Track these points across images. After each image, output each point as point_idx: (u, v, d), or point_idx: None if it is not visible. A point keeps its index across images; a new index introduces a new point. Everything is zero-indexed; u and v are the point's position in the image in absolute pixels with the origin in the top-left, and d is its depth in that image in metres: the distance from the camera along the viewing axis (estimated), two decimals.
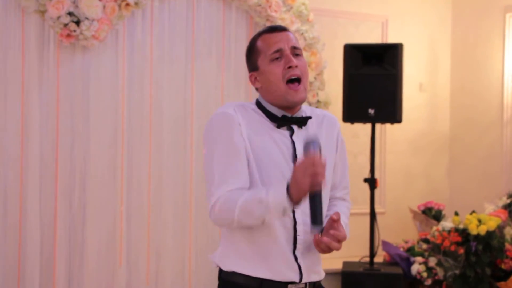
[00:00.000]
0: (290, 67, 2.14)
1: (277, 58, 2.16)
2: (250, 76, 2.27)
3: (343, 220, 2.20)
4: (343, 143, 2.34)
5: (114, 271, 4.58)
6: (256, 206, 2.03)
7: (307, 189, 1.97)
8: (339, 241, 2.08)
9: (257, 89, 2.27)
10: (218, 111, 2.21)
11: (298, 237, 2.15)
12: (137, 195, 4.68)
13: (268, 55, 2.17)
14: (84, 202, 4.50)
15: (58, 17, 4.24)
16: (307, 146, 2.01)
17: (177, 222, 4.81)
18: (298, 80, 2.17)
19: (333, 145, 2.28)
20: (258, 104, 2.25)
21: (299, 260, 2.16)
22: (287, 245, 2.15)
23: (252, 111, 2.22)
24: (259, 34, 2.25)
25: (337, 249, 2.09)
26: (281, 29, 2.23)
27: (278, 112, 2.20)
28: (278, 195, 2.01)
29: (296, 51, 2.18)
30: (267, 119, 2.21)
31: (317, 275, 2.24)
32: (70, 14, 4.26)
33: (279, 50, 2.16)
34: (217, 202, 2.08)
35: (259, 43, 2.22)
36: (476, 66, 6.07)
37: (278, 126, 2.19)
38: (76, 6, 4.27)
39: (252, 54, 2.25)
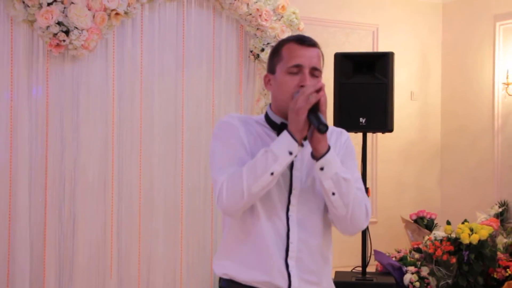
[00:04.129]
0: (302, 86, 2.11)
1: (294, 73, 2.14)
2: (265, 77, 2.27)
3: (345, 174, 2.10)
4: (351, 147, 2.31)
5: (104, 283, 4.58)
6: (261, 159, 2.02)
7: (303, 112, 2.00)
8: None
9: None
10: (219, 121, 2.26)
11: (290, 245, 2.12)
12: (128, 206, 4.69)
13: (287, 66, 2.16)
14: (74, 212, 4.50)
15: (47, 27, 4.26)
16: (295, 94, 2.08)
17: (168, 232, 4.81)
18: None
19: (340, 151, 2.27)
20: (266, 115, 2.26)
21: (290, 269, 2.11)
22: (278, 252, 2.12)
23: (255, 123, 2.23)
24: (289, 40, 2.23)
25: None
26: (310, 43, 2.20)
27: (279, 120, 2.20)
28: (279, 139, 2.04)
29: (315, 72, 2.16)
30: (269, 129, 2.22)
31: (313, 287, 2.17)
32: (59, 23, 4.28)
33: (298, 66, 2.14)
34: (223, 184, 2.05)
35: (285, 50, 2.20)
36: (467, 74, 6.13)
37: (278, 134, 2.14)
38: (66, 16, 4.28)
39: (274, 56, 2.23)
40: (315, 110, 2.03)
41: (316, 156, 2.07)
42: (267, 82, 2.26)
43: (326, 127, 2.00)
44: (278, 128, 2.18)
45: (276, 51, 2.24)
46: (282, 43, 2.24)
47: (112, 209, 4.61)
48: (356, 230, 2.18)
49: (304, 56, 2.16)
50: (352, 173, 2.19)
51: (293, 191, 2.15)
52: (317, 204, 2.17)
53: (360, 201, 2.14)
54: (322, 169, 2.06)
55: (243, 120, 2.24)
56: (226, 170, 2.09)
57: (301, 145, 2.06)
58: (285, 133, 2.04)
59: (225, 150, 2.15)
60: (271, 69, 2.24)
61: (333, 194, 2.08)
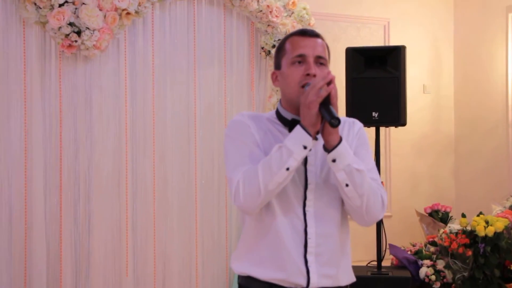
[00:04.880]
0: (308, 74, 2.14)
1: (299, 62, 2.17)
2: (272, 74, 2.30)
3: (358, 165, 2.12)
4: (364, 136, 2.31)
5: (121, 282, 4.62)
6: (275, 155, 2.05)
7: (314, 106, 2.02)
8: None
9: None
10: (231, 120, 2.29)
11: (309, 240, 2.14)
12: (142, 205, 4.73)
13: (291, 57, 2.18)
14: (89, 211, 4.55)
15: (59, 28, 4.30)
16: (305, 87, 2.10)
17: (182, 230, 4.85)
18: None
19: (353, 141, 2.27)
20: (277, 111, 2.28)
21: (309, 264, 2.13)
22: (296, 248, 2.14)
23: (265, 120, 2.26)
24: (291, 35, 2.26)
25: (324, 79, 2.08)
26: (312, 34, 2.22)
27: (290, 116, 2.22)
28: (293, 134, 2.06)
29: (320, 60, 2.18)
30: (280, 125, 2.24)
31: (333, 281, 2.19)
32: (71, 24, 4.32)
33: (302, 55, 2.17)
34: (239, 182, 2.08)
35: (288, 44, 2.23)
36: (480, 66, 6.10)
37: (290, 130, 2.17)
38: (77, 17, 4.32)
39: (279, 52, 2.27)
40: (326, 103, 2.04)
41: (328, 148, 2.08)
42: (274, 79, 2.29)
43: (338, 121, 2.01)
44: (290, 124, 2.20)
45: (280, 47, 2.26)
46: (285, 39, 2.27)
47: (127, 207, 4.65)
48: (373, 221, 2.20)
49: (307, 46, 2.18)
50: (367, 163, 2.20)
51: (309, 186, 2.16)
52: (333, 196, 2.18)
53: (375, 191, 2.16)
54: (334, 161, 2.07)
55: (254, 117, 2.26)
56: (241, 168, 2.11)
57: (315, 138, 2.08)
58: (298, 128, 2.06)
59: (239, 149, 2.17)
60: (277, 65, 2.27)
61: (347, 185, 2.09)
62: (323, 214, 2.17)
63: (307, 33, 2.22)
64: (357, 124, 2.31)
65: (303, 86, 2.15)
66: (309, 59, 2.16)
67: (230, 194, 2.14)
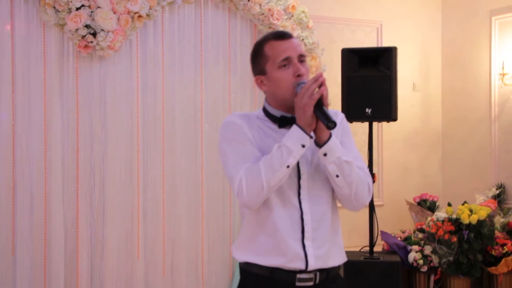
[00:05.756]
0: (299, 75, 2.17)
1: (284, 65, 2.18)
2: (256, 79, 2.28)
3: (346, 157, 2.17)
4: (347, 126, 2.35)
5: (132, 263, 4.71)
6: (276, 154, 2.08)
7: (309, 108, 2.05)
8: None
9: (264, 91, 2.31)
10: (223, 121, 2.29)
11: (305, 226, 2.17)
12: (153, 193, 4.80)
13: (277, 62, 2.18)
14: (104, 201, 4.63)
15: (76, 30, 4.38)
16: (297, 87, 2.14)
17: (190, 217, 4.92)
18: None
19: (338, 132, 2.29)
20: (264, 109, 2.30)
21: (307, 249, 2.16)
22: (294, 235, 2.16)
23: (255, 118, 2.27)
24: (267, 40, 2.25)
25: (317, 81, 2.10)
26: (288, 36, 2.24)
27: (279, 114, 2.24)
28: (291, 133, 2.09)
29: (302, 58, 2.21)
30: (270, 122, 2.26)
31: (329, 262, 2.22)
32: (87, 26, 4.40)
33: (287, 58, 2.18)
34: (241, 179, 2.11)
35: (267, 49, 2.22)
36: (465, 66, 6.17)
37: (280, 127, 2.21)
38: (93, 19, 4.41)
39: (259, 58, 2.26)
40: (319, 104, 2.07)
41: (319, 143, 2.13)
42: (260, 83, 2.27)
43: (335, 124, 2.05)
44: (279, 121, 2.22)
45: (259, 53, 2.26)
46: (261, 44, 2.26)
47: (138, 197, 4.72)
48: (361, 206, 2.26)
49: (289, 48, 2.19)
50: (351, 151, 2.25)
51: (302, 176, 2.20)
52: (324, 178, 2.22)
53: (363, 179, 2.21)
54: (325, 154, 2.13)
55: (244, 117, 2.27)
56: (241, 166, 2.13)
57: (311, 137, 2.12)
58: (295, 128, 2.09)
59: (235, 149, 2.19)
60: (261, 71, 2.25)
61: (337, 176, 2.15)
62: (317, 197, 2.20)
63: (284, 36, 2.23)
64: (339, 115, 2.34)
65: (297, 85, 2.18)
66: (294, 60, 2.18)
67: (233, 191, 2.16)
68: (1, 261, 4.38)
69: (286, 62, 2.19)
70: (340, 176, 2.16)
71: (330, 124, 2.05)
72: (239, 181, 2.11)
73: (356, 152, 2.29)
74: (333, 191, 2.26)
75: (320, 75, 2.11)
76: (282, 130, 2.20)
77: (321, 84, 2.09)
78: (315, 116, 2.09)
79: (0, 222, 4.37)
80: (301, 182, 2.20)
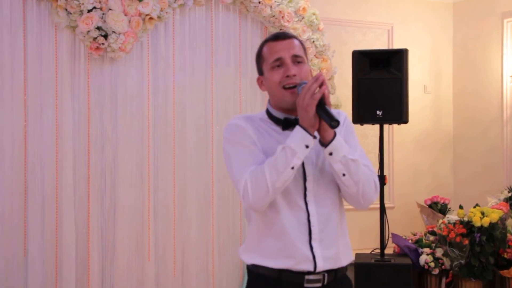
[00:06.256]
0: (288, 76, 2.18)
1: (278, 66, 2.20)
2: (258, 80, 2.33)
3: (352, 156, 2.18)
4: (350, 125, 2.35)
5: (143, 265, 4.73)
6: (280, 155, 2.08)
7: (311, 108, 2.05)
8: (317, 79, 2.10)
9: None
10: (227, 124, 2.29)
11: (312, 228, 2.18)
12: (163, 195, 4.82)
13: (270, 62, 2.21)
14: (115, 202, 4.65)
15: (88, 32, 4.41)
16: (298, 88, 2.14)
17: (200, 219, 4.94)
18: (294, 87, 2.21)
19: (342, 132, 2.29)
20: (267, 111, 2.31)
21: (314, 250, 2.17)
22: (302, 238, 2.17)
23: (259, 120, 2.28)
24: (266, 41, 2.28)
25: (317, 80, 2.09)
26: (284, 36, 2.25)
27: (282, 116, 2.25)
28: (294, 134, 2.09)
29: (297, 59, 2.21)
30: (273, 124, 2.26)
31: (335, 262, 2.23)
32: (98, 28, 4.43)
33: (279, 59, 2.19)
34: (246, 182, 2.11)
35: (265, 50, 2.26)
36: (477, 68, 6.16)
37: (283, 129, 2.23)
38: (104, 21, 4.44)
39: (259, 59, 2.30)
40: (322, 104, 2.07)
41: (324, 143, 2.14)
42: (260, 84, 2.33)
43: (338, 122, 2.05)
44: (283, 123, 2.24)
45: (259, 54, 2.30)
46: (261, 45, 2.30)
47: (149, 198, 4.74)
48: (367, 204, 2.26)
49: (282, 49, 2.20)
50: (356, 149, 2.25)
51: (308, 178, 2.21)
52: (330, 179, 2.23)
53: (369, 177, 2.22)
54: (331, 154, 2.13)
55: (248, 119, 2.28)
56: (246, 169, 2.13)
57: (315, 137, 2.12)
58: (298, 129, 2.09)
59: (240, 151, 2.19)
60: (260, 71, 2.31)
61: (344, 175, 2.16)
62: (323, 198, 2.21)
63: (279, 37, 2.25)
64: (342, 114, 2.35)
65: (294, 87, 2.18)
66: (287, 60, 2.19)
67: (239, 194, 2.15)
68: (13, 263, 4.41)
69: (279, 62, 2.20)
70: (347, 175, 2.17)
71: (334, 123, 2.05)
72: (244, 184, 2.12)
73: (360, 150, 2.30)
74: (339, 191, 2.27)
75: (320, 75, 2.11)
76: (286, 132, 2.22)
77: (322, 84, 2.09)
78: (318, 116, 2.09)
79: (12, 224, 4.40)
80: (307, 184, 2.21)
